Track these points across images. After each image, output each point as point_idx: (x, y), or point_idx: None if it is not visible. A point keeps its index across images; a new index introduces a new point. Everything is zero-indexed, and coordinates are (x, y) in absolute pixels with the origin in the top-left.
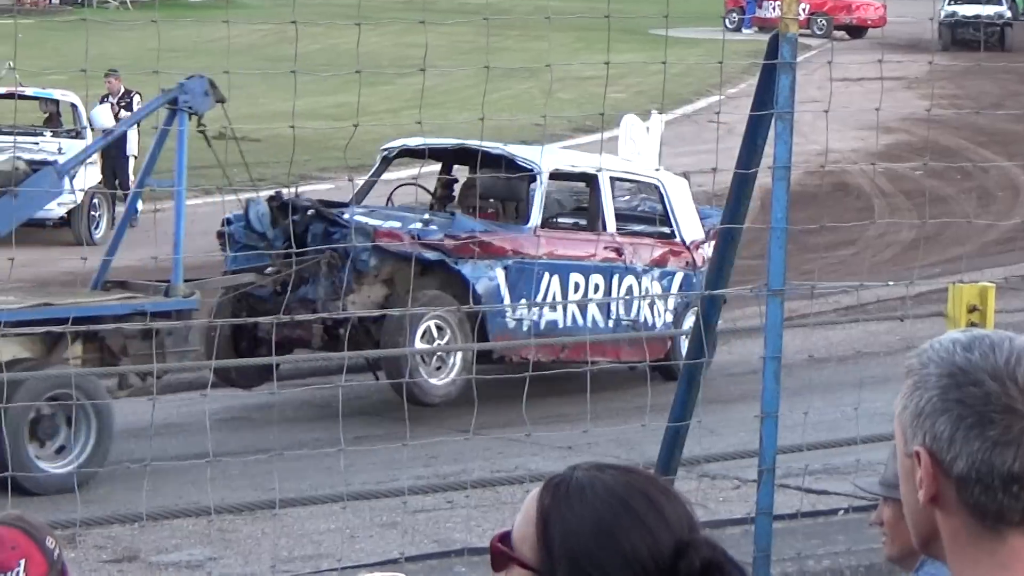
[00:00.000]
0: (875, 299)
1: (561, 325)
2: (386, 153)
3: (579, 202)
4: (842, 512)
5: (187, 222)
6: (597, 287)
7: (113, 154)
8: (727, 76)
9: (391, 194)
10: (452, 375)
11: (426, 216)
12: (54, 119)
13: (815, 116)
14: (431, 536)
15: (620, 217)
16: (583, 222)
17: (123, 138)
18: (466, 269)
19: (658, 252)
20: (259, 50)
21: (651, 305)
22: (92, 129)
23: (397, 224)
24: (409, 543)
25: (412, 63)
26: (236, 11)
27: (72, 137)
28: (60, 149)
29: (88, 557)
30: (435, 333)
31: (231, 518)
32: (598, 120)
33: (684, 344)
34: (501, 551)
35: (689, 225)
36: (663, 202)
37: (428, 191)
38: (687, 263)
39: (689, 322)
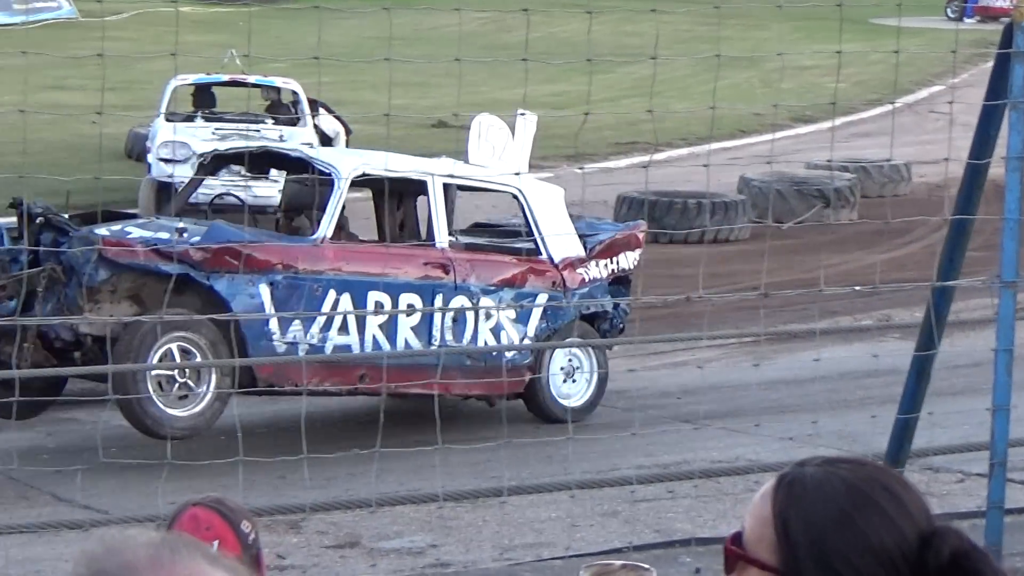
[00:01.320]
0: None
1: (357, 350)
2: (202, 159)
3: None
4: None
5: None
6: (413, 308)
7: None
8: (949, 66)
9: (211, 201)
10: (200, 406)
11: (180, 224)
12: (276, 106)
13: None
14: (652, 526)
15: (478, 231)
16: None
17: None
18: (220, 285)
19: (512, 271)
20: (478, 38)
21: (496, 331)
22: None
23: (148, 234)
24: (631, 532)
25: (631, 51)
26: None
27: (292, 125)
28: (281, 137)
29: (311, 542)
30: (178, 357)
31: (452, 505)
32: (817, 110)
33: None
34: (737, 553)
35: (559, 240)
36: (524, 214)
37: (239, 199)
38: (554, 283)
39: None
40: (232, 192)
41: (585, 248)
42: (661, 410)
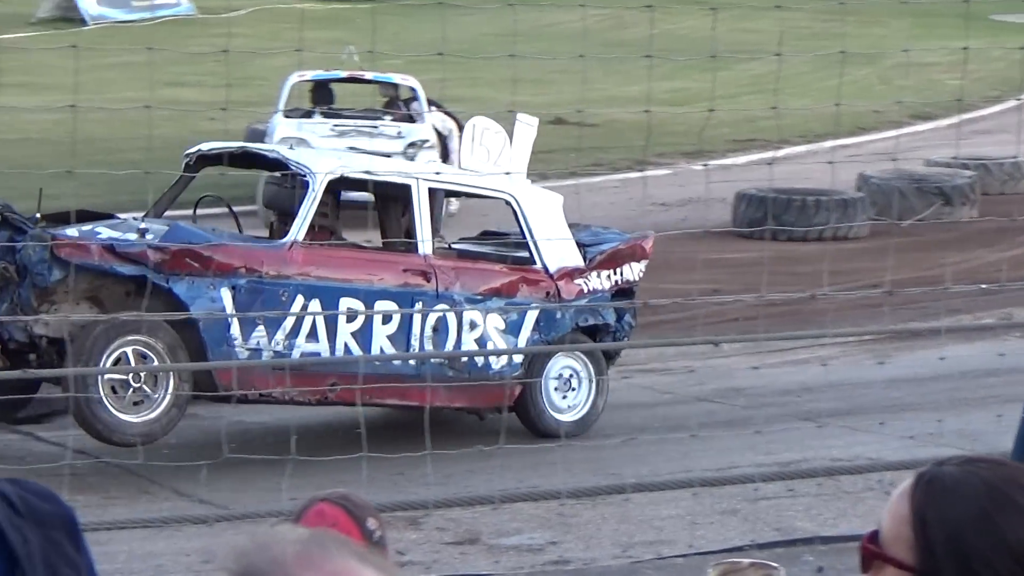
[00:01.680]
0: None
1: (319, 362)
2: (187, 160)
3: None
4: None
5: None
6: (389, 317)
7: None
8: None
9: (196, 205)
10: (155, 412)
11: (142, 225)
12: (394, 103)
13: None
14: (772, 524)
15: (486, 239)
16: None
17: None
18: (180, 288)
19: (501, 280)
20: (596, 35)
21: (482, 342)
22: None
23: (117, 234)
24: (751, 531)
25: (750, 48)
26: None
27: (410, 121)
28: (399, 133)
29: (431, 539)
30: (133, 362)
31: (571, 503)
32: (937, 107)
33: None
34: (873, 552)
35: (555, 249)
36: (517, 221)
37: (222, 199)
38: (548, 294)
39: (559, 361)
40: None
41: (585, 258)
42: (781, 408)
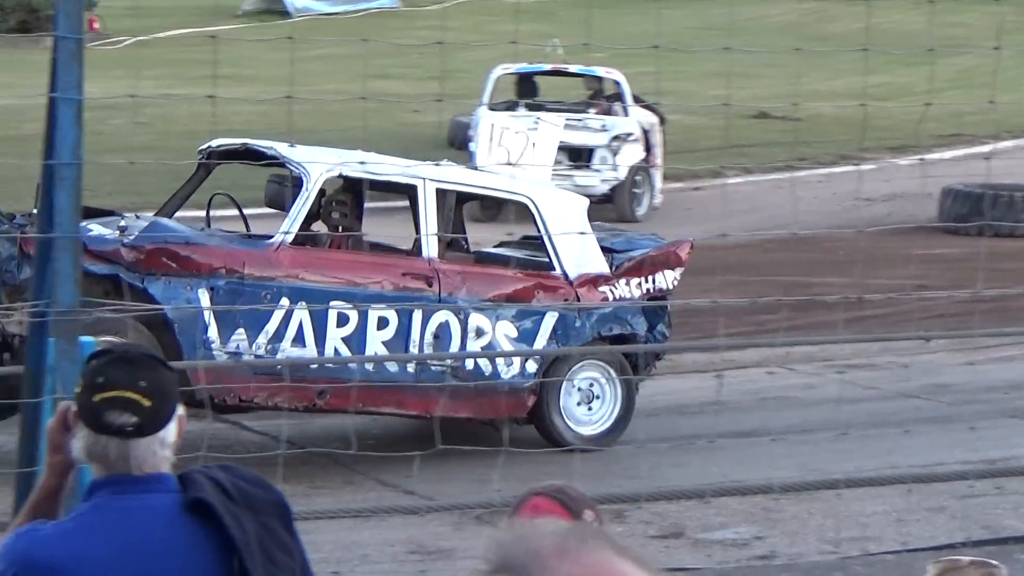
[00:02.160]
0: None
1: (316, 364)
2: (200, 157)
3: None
4: None
5: (728, 201)
6: (385, 322)
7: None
8: None
9: (208, 204)
10: None
11: (123, 222)
12: (598, 96)
13: None
14: (980, 522)
15: (527, 243)
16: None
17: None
18: (156, 288)
19: (514, 286)
20: (799, 29)
21: (488, 349)
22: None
23: (105, 231)
24: (959, 528)
25: (956, 43)
26: None
27: (614, 115)
28: (604, 126)
29: (635, 532)
30: None
31: (777, 497)
32: None
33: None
34: None
35: (576, 254)
36: (536, 225)
37: (232, 198)
38: (566, 301)
39: (585, 371)
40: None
41: (612, 264)
42: (988, 404)
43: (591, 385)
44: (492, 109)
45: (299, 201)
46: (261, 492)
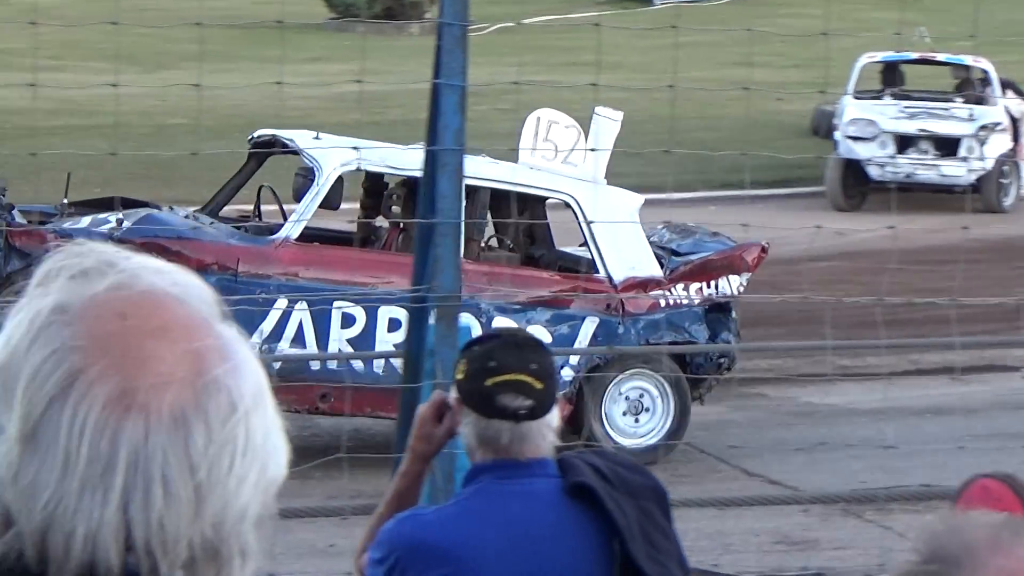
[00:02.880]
0: None
1: (317, 366)
2: (251, 145)
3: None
4: None
5: None
6: (397, 324)
7: None
8: None
9: (257, 197)
10: None
11: (120, 215)
12: (965, 85)
13: None
14: None
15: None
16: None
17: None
18: None
19: (549, 289)
20: None
21: None
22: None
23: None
24: None
25: None
26: None
27: (983, 104)
28: (971, 115)
29: None
30: None
31: None
32: None
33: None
34: None
35: (624, 257)
36: (579, 224)
37: (273, 191)
38: (608, 307)
39: (633, 380)
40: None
41: (668, 268)
42: None
43: (640, 396)
44: (858, 98)
45: (309, 195)
46: (638, 477)
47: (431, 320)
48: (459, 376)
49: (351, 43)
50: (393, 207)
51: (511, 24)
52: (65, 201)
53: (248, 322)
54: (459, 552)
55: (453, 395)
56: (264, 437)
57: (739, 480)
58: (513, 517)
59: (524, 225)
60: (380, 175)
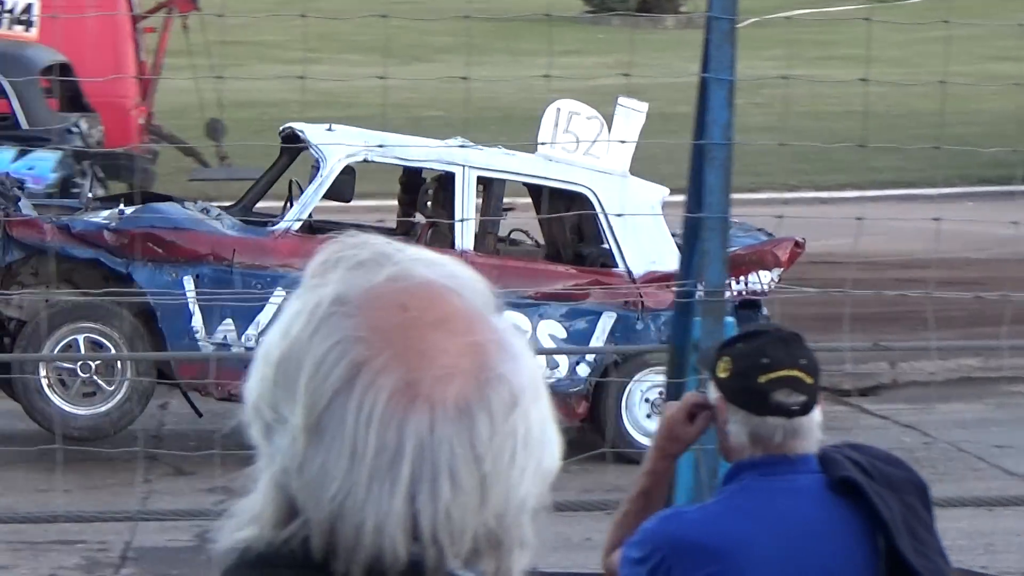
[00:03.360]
0: None
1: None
2: (282, 143)
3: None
4: None
5: None
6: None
7: None
8: None
9: (288, 191)
10: (107, 406)
11: (122, 205)
12: None
13: None
14: None
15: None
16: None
17: None
18: (140, 274)
19: (564, 283)
20: None
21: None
22: None
23: (95, 216)
24: None
25: None
26: None
27: None
28: None
29: None
30: (83, 350)
31: None
32: None
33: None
34: None
35: (644, 251)
36: (597, 217)
37: (299, 185)
38: (627, 302)
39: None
40: None
41: None
42: None
43: (661, 393)
44: None
45: (312, 187)
46: (898, 471)
47: (696, 315)
48: (723, 375)
49: (605, 36)
50: (428, 203)
51: (764, 17)
52: (90, 195)
53: (245, 313)
54: (727, 549)
55: (714, 394)
56: (541, 429)
57: (999, 479)
58: (780, 514)
59: (571, 222)
60: (418, 171)
